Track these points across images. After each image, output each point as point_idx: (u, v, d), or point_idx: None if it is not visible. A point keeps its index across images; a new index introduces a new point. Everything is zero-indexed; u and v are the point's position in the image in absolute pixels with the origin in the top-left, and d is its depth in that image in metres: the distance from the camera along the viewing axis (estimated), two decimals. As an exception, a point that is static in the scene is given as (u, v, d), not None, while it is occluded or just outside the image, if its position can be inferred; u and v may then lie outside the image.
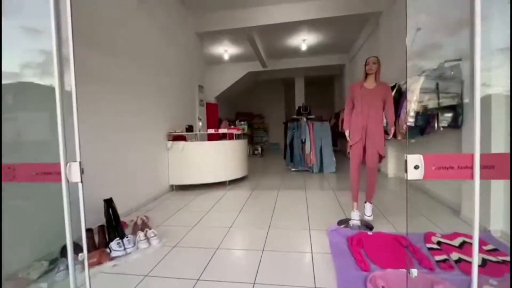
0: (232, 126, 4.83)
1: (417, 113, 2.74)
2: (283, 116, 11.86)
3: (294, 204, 3.29)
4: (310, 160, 5.44)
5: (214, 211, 3.13)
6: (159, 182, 3.87)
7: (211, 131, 4.21)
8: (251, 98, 12.50)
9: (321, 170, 5.48)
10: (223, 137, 4.73)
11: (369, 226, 2.50)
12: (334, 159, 5.49)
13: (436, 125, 2.81)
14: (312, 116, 5.62)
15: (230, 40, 6.74)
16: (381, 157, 2.47)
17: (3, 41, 1.62)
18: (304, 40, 7.04)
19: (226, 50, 7.35)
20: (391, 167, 4.77)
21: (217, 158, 4.25)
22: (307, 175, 5.21)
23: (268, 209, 3.13)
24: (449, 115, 2.78)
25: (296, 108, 7.20)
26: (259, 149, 9.56)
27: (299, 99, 9.79)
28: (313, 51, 7.91)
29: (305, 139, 5.45)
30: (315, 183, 4.58)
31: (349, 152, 2.59)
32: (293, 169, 5.77)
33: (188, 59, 5.08)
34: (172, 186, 4.17)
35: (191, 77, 5.19)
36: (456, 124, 2.68)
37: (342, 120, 6.85)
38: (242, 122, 5.05)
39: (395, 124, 2.82)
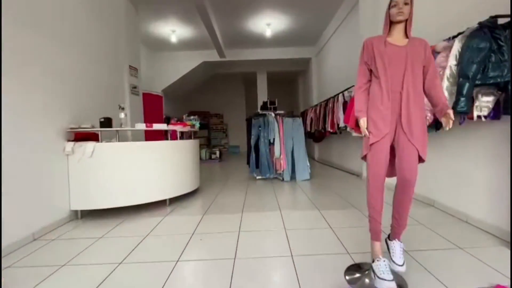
0: (178, 122, 3.50)
1: (459, 93, 1.79)
2: (244, 116, 10.74)
3: (268, 240, 2.11)
4: (280, 165, 4.35)
5: (131, 262, 1.79)
6: (49, 208, 2.37)
7: (141, 126, 2.81)
8: (208, 96, 11.13)
9: (293, 177, 4.44)
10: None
11: (401, 285, 1.44)
12: (308, 163, 4.50)
13: (474, 114, 1.91)
14: (282, 112, 4.54)
15: (177, 16, 5.36)
16: (420, 161, 1.44)
17: None
18: (268, 25, 6.02)
19: (173, 30, 5.94)
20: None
21: (152, 166, 2.88)
22: (278, 185, 4.10)
23: (227, 251, 1.90)
24: (489, 99, 1.90)
25: (260, 104, 6.11)
26: (217, 153, 8.29)
27: (262, 97, 8.76)
28: (278, 40, 6.94)
29: (273, 140, 4.35)
30: (290, 197, 3.47)
31: (364, 156, 1.52)
32: (258, 177, 4.63)
33: (114, 29, 3.63)
34: (76, 212, 2.67)
35: (117, 54, 3.73)
36: (504, 112, 1.81)
37: (309, 116, 5.80)
38: (192, 117, 3.74)
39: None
